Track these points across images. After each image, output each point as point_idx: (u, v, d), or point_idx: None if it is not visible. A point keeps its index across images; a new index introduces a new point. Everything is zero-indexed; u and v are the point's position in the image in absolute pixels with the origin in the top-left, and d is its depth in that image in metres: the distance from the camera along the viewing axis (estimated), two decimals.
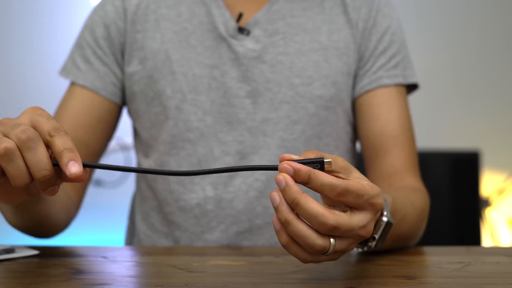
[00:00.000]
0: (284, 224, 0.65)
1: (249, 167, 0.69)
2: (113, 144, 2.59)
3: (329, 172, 0.67)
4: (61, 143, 0.67)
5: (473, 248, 0.99)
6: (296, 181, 0.65)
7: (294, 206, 0.65)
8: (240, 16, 1.09)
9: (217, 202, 1.08)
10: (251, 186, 1.08)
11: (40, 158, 0.66)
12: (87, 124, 1.09)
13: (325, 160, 0.67)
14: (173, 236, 1.11)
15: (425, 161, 1.83)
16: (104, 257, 0.88)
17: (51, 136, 0.67)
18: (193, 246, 1.09)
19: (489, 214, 2.57)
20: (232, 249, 1.01)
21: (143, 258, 0.92)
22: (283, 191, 0.65)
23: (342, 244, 0.67)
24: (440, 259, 0.87)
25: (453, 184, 1.94)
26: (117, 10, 1.12)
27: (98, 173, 2.41)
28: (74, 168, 0.66)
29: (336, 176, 0.67)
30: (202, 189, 1.09)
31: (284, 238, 0.66)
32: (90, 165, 0.68)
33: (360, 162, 1.16)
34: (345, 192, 0.65)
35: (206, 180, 1.09)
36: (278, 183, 0.65)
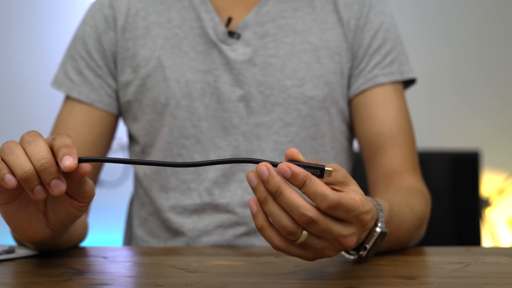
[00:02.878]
0: (263, 202, 0.67)
1: (252, 160, 0.68)
2: (113, 144, 2.59)
3: (328, 182, 0.67)
4: (59, 141, 0.70)
5: (473, 248, 0.99)
6: (292, 183, 0.66)
7: (277, 196, 0.66)
8: (229, 20, 1.09)
9: (214, 206, 1.08)
10: (246, 190, 1.07)
11: (39, 149, 0.69)
12: (88, 140, 1.10)
13: (326, 169, 0.67)
14: (171, 241, 1.11)
15: (425, 161, 1.83)
16: (104, 257, 0.88)
17: (54, 139, 0.71)
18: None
19: (489, 214, 2.57)
20: (232, 249, 1.01)
21: (143, 259, 0.92)
22: (266, 181, 0.66)
23: (315, 241, 0.68)
24: (440, 259, 0.87)
25: (453, 184, 1.94)
26: (107, 20, 1.11)
27: None
28: (67, 161, 0.68)
29: (332, 188, 0.67)
30: (199, 195, 1.08)
31: (260, 220, 0.68)
32: (86, 160, 0.70)
33: (358, 162, 1.16)
34: (337, 206, 0.66)
35: (202, 186, 1.08)
36: (261, 173, 0.66)
